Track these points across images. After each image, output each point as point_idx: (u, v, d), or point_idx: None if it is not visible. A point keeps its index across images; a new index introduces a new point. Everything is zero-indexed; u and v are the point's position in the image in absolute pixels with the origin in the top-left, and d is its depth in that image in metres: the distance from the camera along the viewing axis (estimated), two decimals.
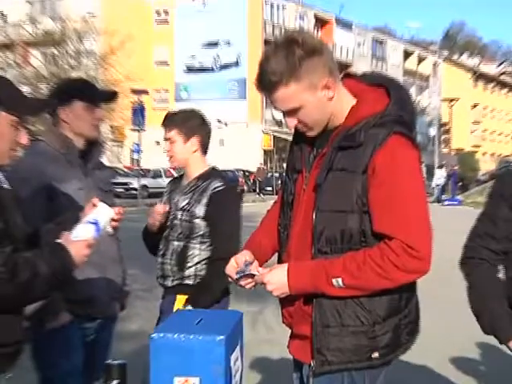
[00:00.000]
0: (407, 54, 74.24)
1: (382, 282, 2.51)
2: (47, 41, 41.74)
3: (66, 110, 3.63)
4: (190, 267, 3.86)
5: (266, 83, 2.54)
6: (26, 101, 2.73)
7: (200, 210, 3.85)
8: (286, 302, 2.71)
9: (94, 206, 2.71)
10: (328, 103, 2.58)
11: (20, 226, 2.62)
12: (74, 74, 38.29)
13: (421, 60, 76.57)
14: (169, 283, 3.92)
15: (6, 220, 2.52)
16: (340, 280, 2.51)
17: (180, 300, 3.86)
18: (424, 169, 44.93)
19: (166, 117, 4.05)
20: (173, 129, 3.96)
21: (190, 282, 3.88)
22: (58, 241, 2.59)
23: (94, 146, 3.76)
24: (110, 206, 3.45)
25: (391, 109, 2.57)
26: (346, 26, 65.31)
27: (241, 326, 2.58)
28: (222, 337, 2.25)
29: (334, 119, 2.63)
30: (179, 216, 3.90)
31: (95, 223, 2.66)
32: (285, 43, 2.52)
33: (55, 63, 40.29)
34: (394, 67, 70.85)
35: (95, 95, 3.72)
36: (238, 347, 2.46)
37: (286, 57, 2.49)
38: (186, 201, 3.91)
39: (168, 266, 3.91)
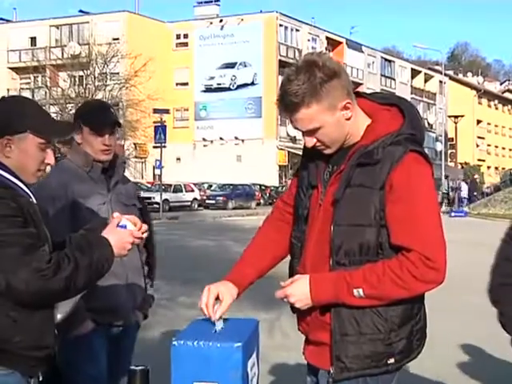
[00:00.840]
0: (414, 73, 74.19)
1: (400, 292, 2.52)
2: (74, 64, 42.10)
3: (79, 133, 3.68)
4: None
5: (288, 104, 2.55)
6: (52, 124, 2.79)
7: None
8: (301, 310, 2.69)
9: (117, 218, 2.71)
10: (346, 123, 2.60)
11: (46, 238, 2.65)
12: (100, 95, 38.60)
13: (427, 79, 76.49)
14: None
15: (36, 226, 2.57)
16: (361, 290, 2.51)
17: None
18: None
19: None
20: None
21: None
22: (101, 234, 2.64)
23: (116, 162, 3.78)
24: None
25: (405, 128, 2.60)
26: (357, 47, 65.39)
27: (257, 333, 2.57)
28: (239, 344, 2.25)
29: (350, 137, 2.64)
30: None
31: (124, 227, 2.69)
32: (305, 66, 2.53)
33: (81, 84, 40.59)
34: (402, 85, 70.81)
35: (100, 123, 3.69)
36: (255, 353, 2.46)
37: (308, 79, 2.50)
38: None
39: None
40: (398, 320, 2.58)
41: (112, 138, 3.70)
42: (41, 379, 2.66)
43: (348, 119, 2.60)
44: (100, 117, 3.72)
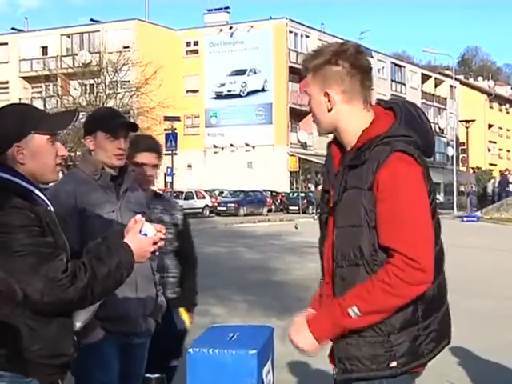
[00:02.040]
0: (425, 78, 74.02)
1: (393, 300, 2.51)
2: (85, 72, 42.27)
3: (91, 139, 3.69)
4: None
5: (302, 68, 2.76)
6: (52, 118, 2.84)
7: None
8: None
9: (139, 221, 2.73)
10: (326, 112, 2.69)
11: (64, 246, 2.67)
12: (111, 103, 38.74)
13: (438, 83, 76.30)
14: None
15: (53, 235, 2.59)
16: (355, 308, 2.51)
17: None
18: (441, 185, 44.43)
19: (155, 143, 4.33)
20: (160, 156, 4.26)
21: None
22: (123, 240, 2.65)
23: (126, 170, 3.79)
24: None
25: (395, 129, 2.63)
26: (367, 53, 65.28)
27: (272, 340, 2.58)
28: (254, 351, 2.26)
29: (346, 138, 2.70)
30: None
31: (145, 235, 2.69)
32: (336, 45, 2.78)
33: (92, 93, 40.75)
34: (412, 90, 70.66)
35: (116, 126, 3.70)
36: (270, 360, 2.47)
37: (319, 51, 2.73)
38: None
39: None
40: (398, 323, 2.56)
41: (126, 142, 3.72)
42: None
43: (328, 110, 2.68)
44: (114, 120, 3.74)
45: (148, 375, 2.46)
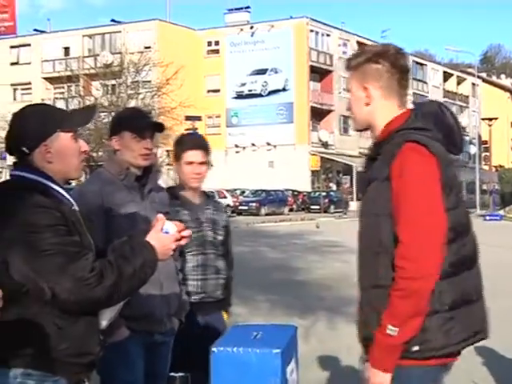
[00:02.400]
0: (447, 76, 73.60)
1: (410, 302, 2.57)
2: (107, 73, 42.44)
3: (118, 139, 3.70)
4: None
5: (346, 64, 2.88)
6: (74, 115, 2.87)
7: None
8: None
9: (160, 220, 2.75)
10: (363, 106, 2.82)
11: (90, 245, 2.69)
12: (132, 103, 38.87)
13: (460, 81, 75.83)
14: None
15: (79, 234, 2.62)
16: (390, 326, 2.57)
17: None
18: (464, 184, 44.17)
19: (199, 140, 4.23)
20: (208, 153, 4.16)
21: None
22: (145, 239, 2.67)
23: (150, 170, 3.80)
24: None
25: (411, 121, 2.75)
26: None
27: (295, 339, 2.59)
28: (278, 350, 2.26)
29: (375, 132, 2.83)
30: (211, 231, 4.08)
31: (166, 233, 2.71)
32: (379, 47, 2.89)
33: (114, 93, 40.91)
34: (434, 89, 70.28)
35: (143, 126, 3.71)
36: (294, 360, 2.47)
37: (363, 51, 2.86)
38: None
39: None
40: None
41: (152, 142, 3.72)
42: None
43: (366, 104, 2.81)
44: (142, 120, 3.75)
45: (172, 374, 2.47)
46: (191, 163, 4.10)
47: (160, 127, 3.83)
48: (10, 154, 2.73)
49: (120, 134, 3.70)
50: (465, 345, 2.71)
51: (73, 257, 2.50)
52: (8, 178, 2.86)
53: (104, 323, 2.72)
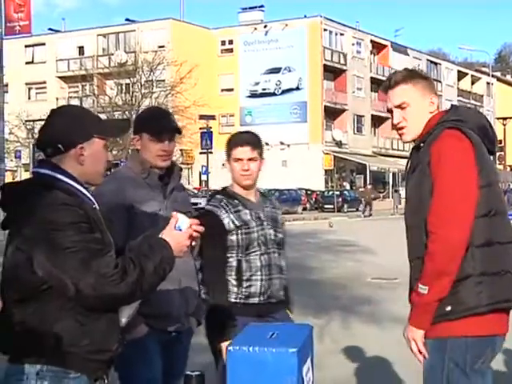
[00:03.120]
0: (461, 75, 73.34)
1: (434, 263, 2.89)
2: (121, 72, 42.59)
3: (138, 139, 3.75)
4: None
5: (393, 80, 3.19)
6: (111, 124, 2.98)
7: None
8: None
9: (174, 217, 2.76)
10: (427, 115, 3.13)
11: (110, 243, 2.72)
12: (146, 102, 38.98)
13: (474, 80, 75.56)
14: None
15: (100, 232, 2.64)
16: (420, 285, 2.92)
17: None
18: None
19: (247, 136, 4.09)
20: (256, 149, 4.02)
21: None
22: (159, 236, 2.69)
23: (172, 169, 3.81)
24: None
25: (449, 115, 3.07)
26: (402, 50, 64.90)
27: (311, 338, 2.58)
28: (294, 349, 2.26)
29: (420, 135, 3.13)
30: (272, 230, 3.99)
31: (179, 230, 2.73)
32: (407, 68, 3.33)
33: (128, 92, 41.05)
34: (448, 88, 70.03)
35: (160, 129, 3.73)
36: (309, 359, 2.46)
37: (410, 71, 3.26)
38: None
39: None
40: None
41: (171, 144, 3.74)
42: (106, 382, 2.72)
43: (431, 112, 3.13)
44: (160, 123, 3.76)
45: (188, 373, 2.46)
46: (239, 160, 4.02)
47: (178, 131, 3.86)
48: (41, 149, 2.75)
49: (140, 134, 3.74)
50: (495, 307, 2.92)
51: (96, 253, 2.52)
52: (23, 176, 2.88)
53: (124, 320, 2.73)
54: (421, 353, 2.99)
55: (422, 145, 3.06)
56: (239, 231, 3.91)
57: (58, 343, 2.54)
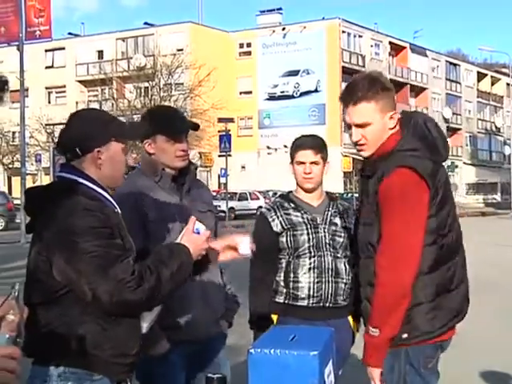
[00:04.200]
0: (481, 76, 72.94)
1: (382, 305, 2.94)
2: (140, 75, 42.76)
3: (151, 142, 3.58)
4: None
5: (354, 96, 3.03)
6: (129, 127, 2.94)
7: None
8: None
9: (191, 221, 2.77)
10: (387, 132, 3.05)
11: (132, 247, 2.73)
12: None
13: (494, 81, 75.09)
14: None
15: (122, 237, 2.65)
16: (371, 328, 2.98)
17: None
18: (499, 186, 43.70)
19: (311, 140, 4.07)
20: (320, 152, 4.04)
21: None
22: (177, 241, 2.71)
23: (188, 169, 3.69)
24: (207, 226, 3.49)
25: (403, 143, 3.01)
26: (421, 51, 64.67)
27: (332, 341, 2.58)
28: (315, 352, 2.26)
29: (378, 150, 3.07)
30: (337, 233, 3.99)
31: (197, 233, 2.74)
32: (369, 76, 3.11)
33: (147, 96, 41.20)
34: (467, 89, 69.67)
35: (176, 129, 3.58)
36: (331, 362, 2.46)
37: (373, 83, 3.03)
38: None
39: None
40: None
41: (186, 142, 3.62)
42: None
43: (391, 129, 3.05)
44: (175, 123, 3.61)
45: (210, 375, 2.46)
46: (301, 163, 4.03)
47: (194, 127, 3.73)
48: (61, 153, 2.77)
49: (153, 137, 3.56)
50: (447, 328, 3.05)
51: (114, 259, 2.52)
52: (44, 179, 2.91)
53: (145, 326, 2.74)
54: None
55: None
56: (288, 233, 3.95)
57: (81, 346, 2.55)
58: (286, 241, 3.95)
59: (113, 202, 2.73)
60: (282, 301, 3.98)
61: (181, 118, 3.74)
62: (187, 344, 3.51)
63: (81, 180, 2.67)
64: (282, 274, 3.94)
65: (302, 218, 3.97)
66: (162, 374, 3.49)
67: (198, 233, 2.73)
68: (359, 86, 3.02)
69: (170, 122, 3.60)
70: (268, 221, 4.01)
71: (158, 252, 2.69)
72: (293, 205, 4.05)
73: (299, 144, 4.08)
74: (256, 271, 4.02)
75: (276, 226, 3.99)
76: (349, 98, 3.05)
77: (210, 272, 3.38)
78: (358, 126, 3.06)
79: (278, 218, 4.00)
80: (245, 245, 2.93)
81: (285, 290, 3.95)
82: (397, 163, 2.92)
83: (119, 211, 2.74)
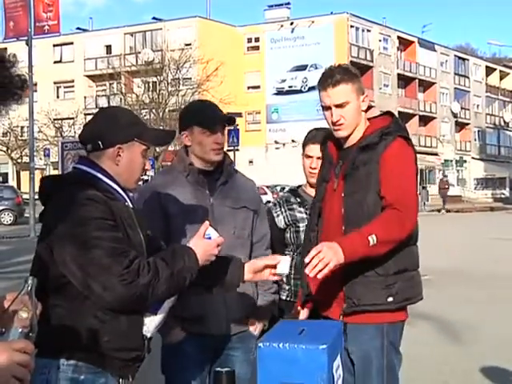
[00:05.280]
0: (489, 71, 72.66)
1: (399, 230, 3.16)
2: (148, 70, 42.78)
3: (188, 134, 3.52)
4: None
5: (333, 79, 3.32)
6: (154, 132, 2.95)
7: None
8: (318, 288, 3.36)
9: (204, 225, 2.75)
10: (360, 113, 3.38)
11: (140, 242, 2.71)
12: (173, 100, 39.11)
13: (503, 76, 74.81)
14: None
15: (127, 233, 2.64)
16: (374, 236, 3.08)
17: None
18: (507, 180, 43.61)
19: (321, 134, 3.89)
20: None
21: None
22: (188, 244, 2.69)
23: (223, 163, 3.59)
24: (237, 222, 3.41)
25: (394, 125, 3.38)
26: (429, 46, 64.47)
27: (341, 335, 2.58)
28: (324, 346, 2.26)
29: (355, 133, 3.36)
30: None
31: (209, 238, 2.73)
32: (340, 65, 3.45)
33: (155, 90, 41.22)
34: (476, 84, 69.42)
35: (212, 120, 3.50)
36: (339, 355, 2.46)
37: (346, 69, 3.40)
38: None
39: None
40: (392, 270, 3.22)
41: (223, 136, 3.51)
42: (131, 380, 2.70)
43: (363, 111, 3.39)
44: (211, 114, 3.53)
45: (218, 369, 2.47)
46: (309, 157, 4.01)
47: (230, 121, 3.64)
48: (83, 144, 2.79)
49: (190, 128, 3.50)
50: (419, 298, 3.36)
51: (109, 252, 2.50)
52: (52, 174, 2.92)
53: (150, 330, 2.72)
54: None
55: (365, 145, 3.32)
56: (291, 229, 3.94)
57: (80, 339, 2.55)
58: (290, 237, 3.95)
59: (124, 195, 2.73)
60: (284, 297, 3.97)
61: (215, 109, 3.63)
62: (206, 338, 3.43)
63: (95, 173, 2.69)
64: None
65: (306, 213, 3.94)
66: (173, 362, 3.46)
67: (209, 238, 2.72)
68: (335, 71, 3.36)
69: (206, 113, 3.55)
70: (273, 216, 4.00)
71: (162, 251, 2.70)
72: (299, 199, 4.03)
73: (310, 137, 4.06)
74: None
75: (280, 222, 3.98)
76: (328, 81, 3.33)
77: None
78: (338, 106, 3.31)
79: (281, 213, 3.99)
80: (284, 264, 2.94)
81: (287, 287, 3.95)
82: (397, 134, 3.31)
83: (130, 205, 2.74)
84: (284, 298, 3.97)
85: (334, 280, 3.21)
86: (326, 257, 2.99)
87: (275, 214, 4.01)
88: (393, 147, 3.27)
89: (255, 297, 3.60)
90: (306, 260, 3.02)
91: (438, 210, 41.53)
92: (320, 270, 2.99)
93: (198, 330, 3.42)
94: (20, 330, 1.81)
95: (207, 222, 2.77)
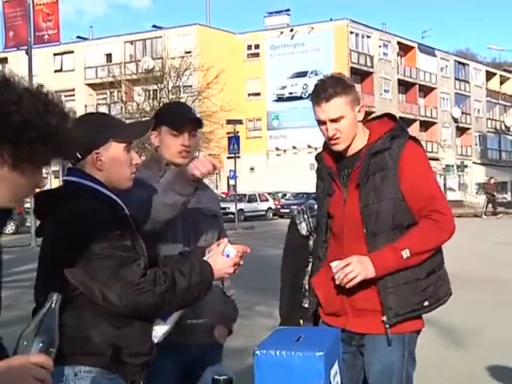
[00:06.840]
0: (490, 75, 72.70)
1: (435, 240, 3.20)
2: (148, 78, 42.81)
3: (156, 134, 3.43)
4: None
5: (325, 93, 3.23)
6: (129, 127, 2.95)
7: None
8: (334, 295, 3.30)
9: (223, 243, 2.78)
10: (357, 124, 3.30)
11: (142, 248, 2.73)
12: None
13: (503, 81, 74.85)
14: None
15: (132, 239, 2.66)
16: (407, 250, 3.11)
17: None
18: (509, 185, 43.56)
19: None
20: None
21: None
22: (205, 258, 2.73)
23: None
24: (210, 230, 3.44)
25: (399, 126, 3.34)
26: (429, 51, 64.53)
27: (338, 342, 2.57)
28: (321, 353, 2.25)
29: (356, 141, 3.30)
30: None
31: (227, 256, 2.76)
32: (333, 76, 3.36)
33: (156, 98, 41.23)
34: (476, 88, 69.44)
35: (180, 121, 3.38)
36: (337, 362, 2.45)
37: (339, 81, 3.30)
38: None
39: None
40: (424, 273, 3.21)
41: (192, 139, 3.40)
42: None
43: (360, 121, 3.32)
44: (179, 114, 3.45)
45: (216, 377, 2.46)
46: None
47: (199, 123, 3.52)
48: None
49: (158, 128, 3.41)
50: (446, 300, 3.34)
51: (124, 261, 2.54)
52: (53, 182, 2.91)
53: (158, 336, 2.73)
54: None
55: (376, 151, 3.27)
56: (314, 236, 3.90)
57: (95, 346, 2.57)
58: (313, 244, 3.92)
59: (121, 204, 2.74)
60: (306, 306, 3.90)
61: (187, 111, 3.57)
62: (179, 350, 3.31)
63: (87, 183, 2.69)
64: (307, 278, 3.90)
65: None
66: (152, 377, 3.22)
67: (228, 256, 2.75)
68: (327, 84, 3.25)
69: (174, 113, 3.48)
70: (296, 223, 4.03)
71: (179, 261, 2.75)
72: None
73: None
74: (284, 274, 4.03)
75: (303, 229, 3.99)
76: (322, 95, 3.24)
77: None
78: (333, 120, 3.24)
79: (304, 220, 3.99)
80: (232, 248, 2.80)
81: (308, 295, 3.90)
82: (408, 136, 3.30)
83: (128, 213, 2.75)
84: (306, 306, 3.90)
85: (357, 292, 3.21)
86: (354, 270, 3.08)
87: (298, 221, 4.02)
88: (408, 150, 3.24)
89: (223, 303, 3.59)
90: (334, 270, 3.11)
91: None
92: (347, 282, 3.11)
93: (175, 339, 3.14)
94: (41, 344, 1.80)
95: (226, 239, 2.79)
